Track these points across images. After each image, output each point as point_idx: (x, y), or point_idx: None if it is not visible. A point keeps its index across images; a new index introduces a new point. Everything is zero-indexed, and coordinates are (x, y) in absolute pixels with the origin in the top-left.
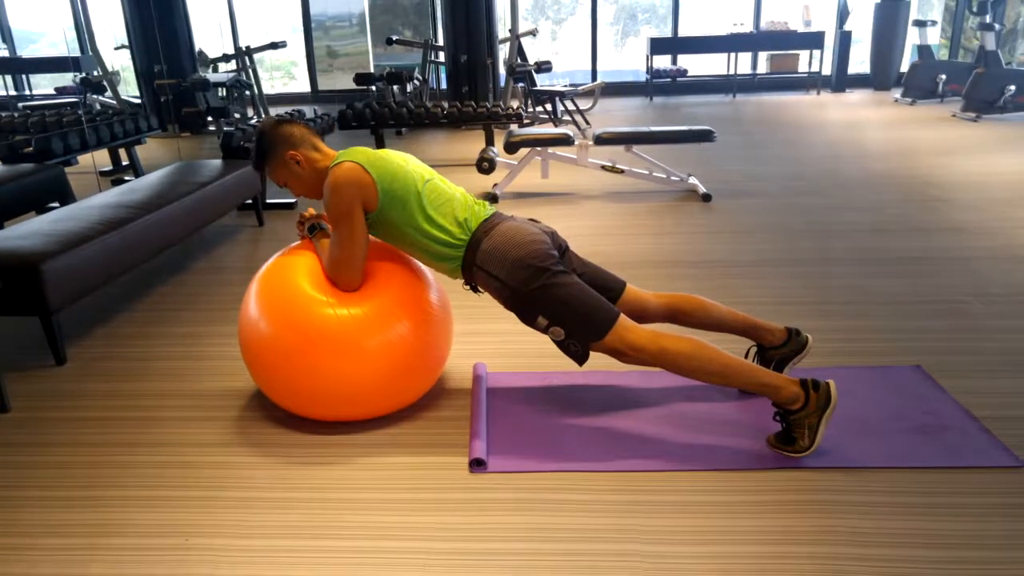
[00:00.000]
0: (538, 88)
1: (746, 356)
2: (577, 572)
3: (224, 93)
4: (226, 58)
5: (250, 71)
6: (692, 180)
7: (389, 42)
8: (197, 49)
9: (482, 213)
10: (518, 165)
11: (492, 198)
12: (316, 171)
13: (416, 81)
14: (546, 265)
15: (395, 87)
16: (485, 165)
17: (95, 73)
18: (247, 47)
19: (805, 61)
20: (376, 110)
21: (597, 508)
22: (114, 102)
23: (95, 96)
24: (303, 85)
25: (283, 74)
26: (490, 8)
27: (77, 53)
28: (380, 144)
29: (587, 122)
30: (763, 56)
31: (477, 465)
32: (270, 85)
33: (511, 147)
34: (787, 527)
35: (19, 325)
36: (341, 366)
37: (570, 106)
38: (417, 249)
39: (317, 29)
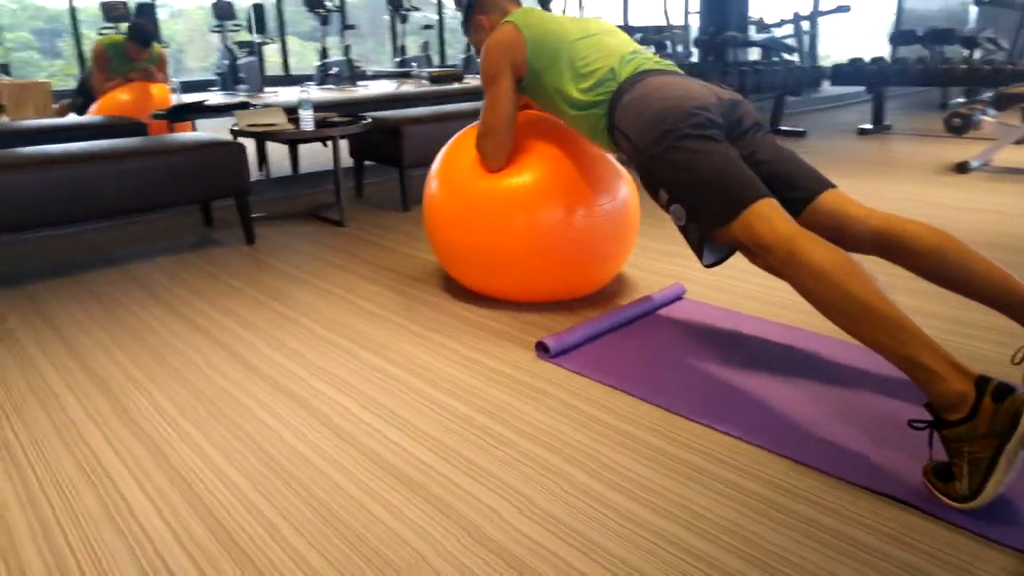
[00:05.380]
0: None
1: (1016, 360)
2: (538, 494)
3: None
4: (782, 23)
5: (804, 36)
6: None
7: (978, 3)
8: (757, 17)
9: (643, 66)
10: (1012, 131)
11: (961, 168)
12: None
13: (990, 45)
14: (679, 125)
15: (942, 47)
16: (956, 122)
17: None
18: (799, 13)
19: None
20: (882, 66)
21: (634, 447)
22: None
23: (656, 51)
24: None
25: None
26: None
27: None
28: (878, 106)
29: None
30: None
31: (543, 350)
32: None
33: (1002, 101)
34: None
35: (388, 180)
36: (484, 234)
37: None
38: (567, 117)
39: None
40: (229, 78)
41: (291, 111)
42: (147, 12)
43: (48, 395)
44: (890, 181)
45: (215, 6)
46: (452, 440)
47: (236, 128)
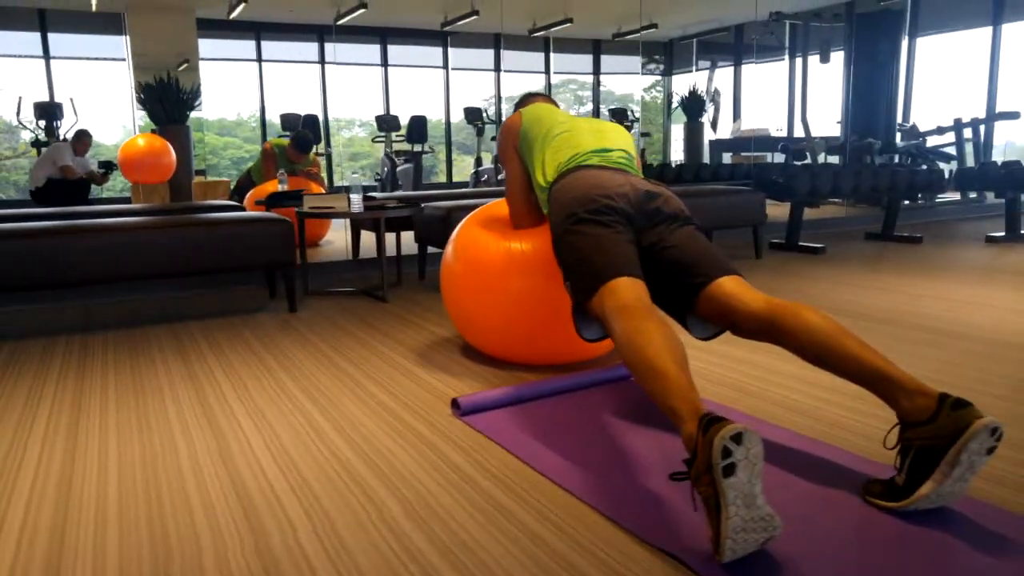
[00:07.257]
0: None
1: (896, 445)
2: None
3: (904, 159)
4: (940, 130)
5: (964, 144)
6: None
7: None
8: (910, 123)
9: (586, 161)
10: None
11: None
12: None
13: None
14: (577, 210)
15: None
16: None
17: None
18: (960, 120)
19: None
20: (1013, 168)
21: (471, 497)
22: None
23: (794, 161)
24: None
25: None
26: None
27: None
28: (1011, 212)
29: None
30: None
31: (456, 407)
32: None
33: None
34: None
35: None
36: (472, 294)
37: None
38: (536, 197)
39: None
40: (388, 183)
41: (413, 203)
42: (310, 124)
43: (31, 403)
44: (1005, 290)
45: (379, 118)
46: (310, 472)
47: (299, 210)
